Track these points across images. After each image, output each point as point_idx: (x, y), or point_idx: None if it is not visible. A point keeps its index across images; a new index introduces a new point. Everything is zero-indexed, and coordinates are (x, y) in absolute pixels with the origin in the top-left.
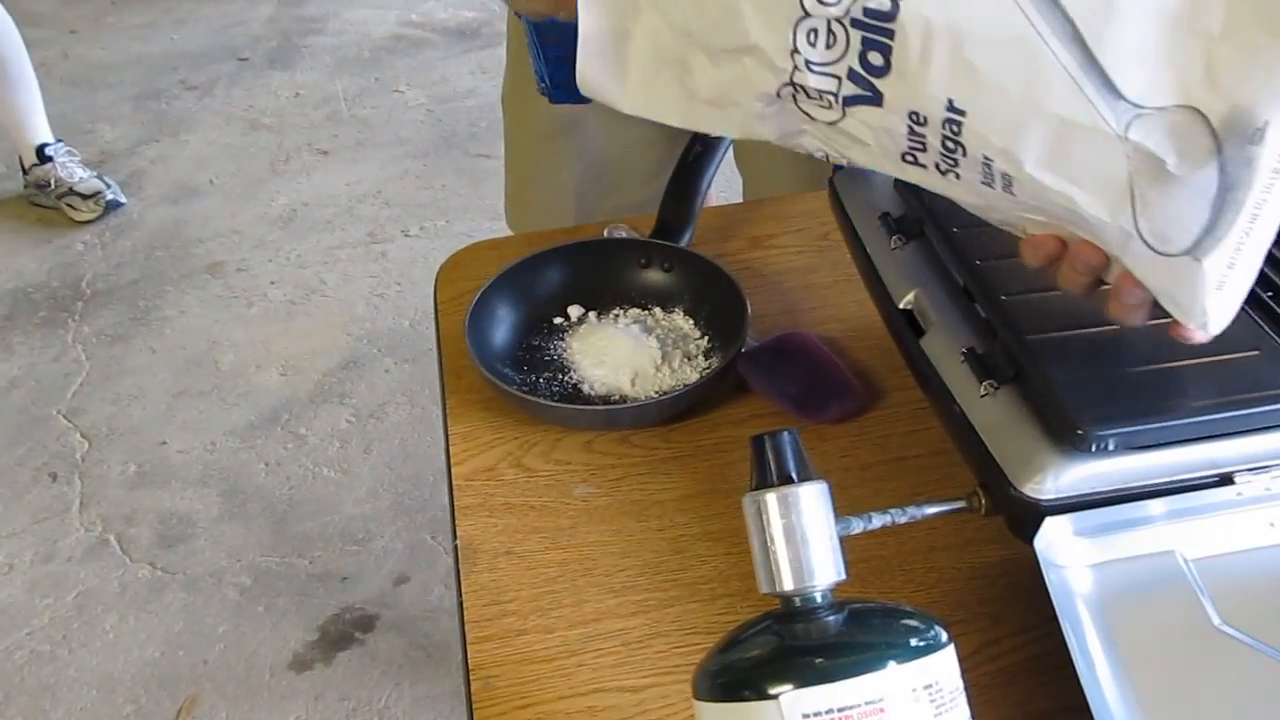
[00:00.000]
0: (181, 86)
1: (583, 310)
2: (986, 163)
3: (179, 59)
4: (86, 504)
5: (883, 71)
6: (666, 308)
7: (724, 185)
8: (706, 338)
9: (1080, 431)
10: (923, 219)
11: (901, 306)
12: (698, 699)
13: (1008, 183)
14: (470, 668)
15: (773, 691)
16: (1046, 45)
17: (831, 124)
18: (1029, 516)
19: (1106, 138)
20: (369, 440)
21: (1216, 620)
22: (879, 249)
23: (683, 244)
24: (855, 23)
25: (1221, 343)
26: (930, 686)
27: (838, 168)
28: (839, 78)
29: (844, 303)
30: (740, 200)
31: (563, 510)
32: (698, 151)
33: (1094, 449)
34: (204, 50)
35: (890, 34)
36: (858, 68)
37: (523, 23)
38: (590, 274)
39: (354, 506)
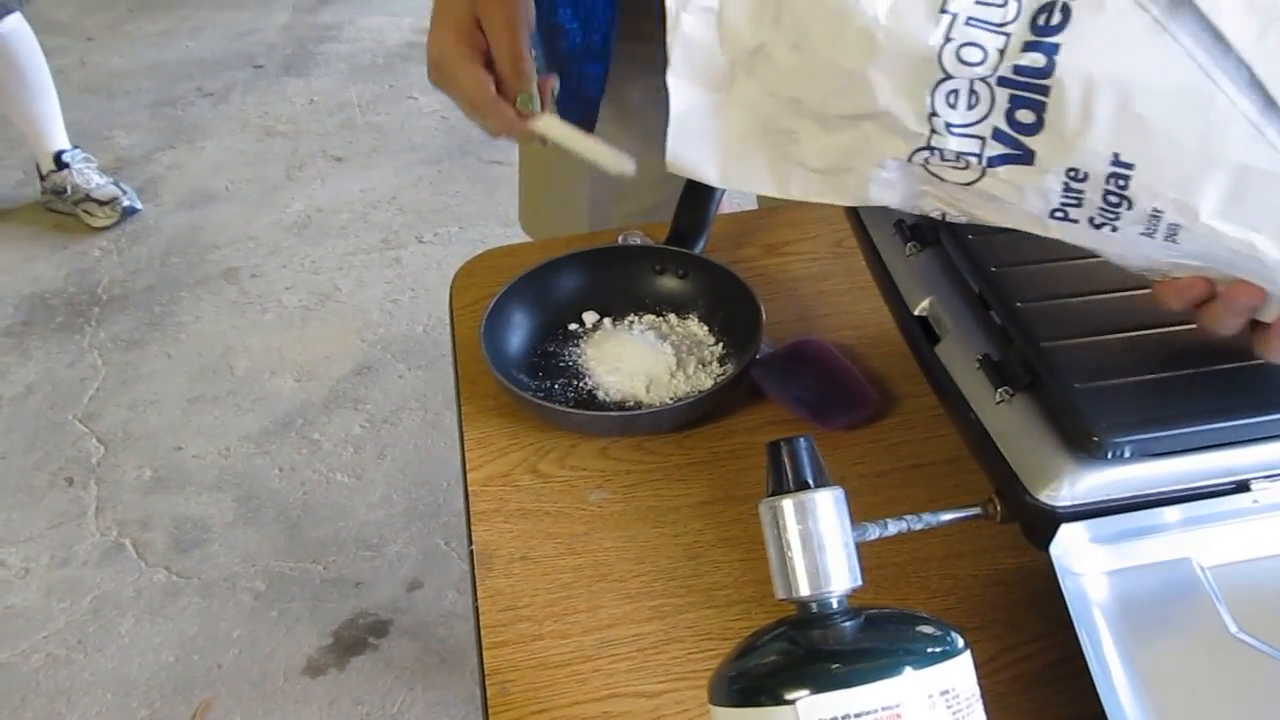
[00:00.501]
0: (197, 93)
1: (597, 317)
2: (1155, 215)
3: (195, 66)
4: (102, 509)
5: (1034, 129)
6: (681, 314)
7: (738, 193)
8: (721, 344)
9: (1096, 438)
10: (937, 226)
11: (916, 313)
12: (714, 704)
13: (1173, 233)
14: (486, 673)
15: (789, 697)
16: (1222, 92)
17: (967, 184)
18: (1045, 523)
19: None
20: (383, 446)
21: (1233, 627)
22: (894, 256)
23: (697, 251)
24: (1003, 81)
25: (1236, 350)
26: (947, 693)
27: None
28: (983, 138)
29: (859, 310)
30: (753, 206)
31: (578, 516)
32: None
33: (1109, 456)
34: (220, 57)
35: (1045, 90)
36: (1005, 127)
37: (536, 46)
38: (605, 280)
39: (367, 512)
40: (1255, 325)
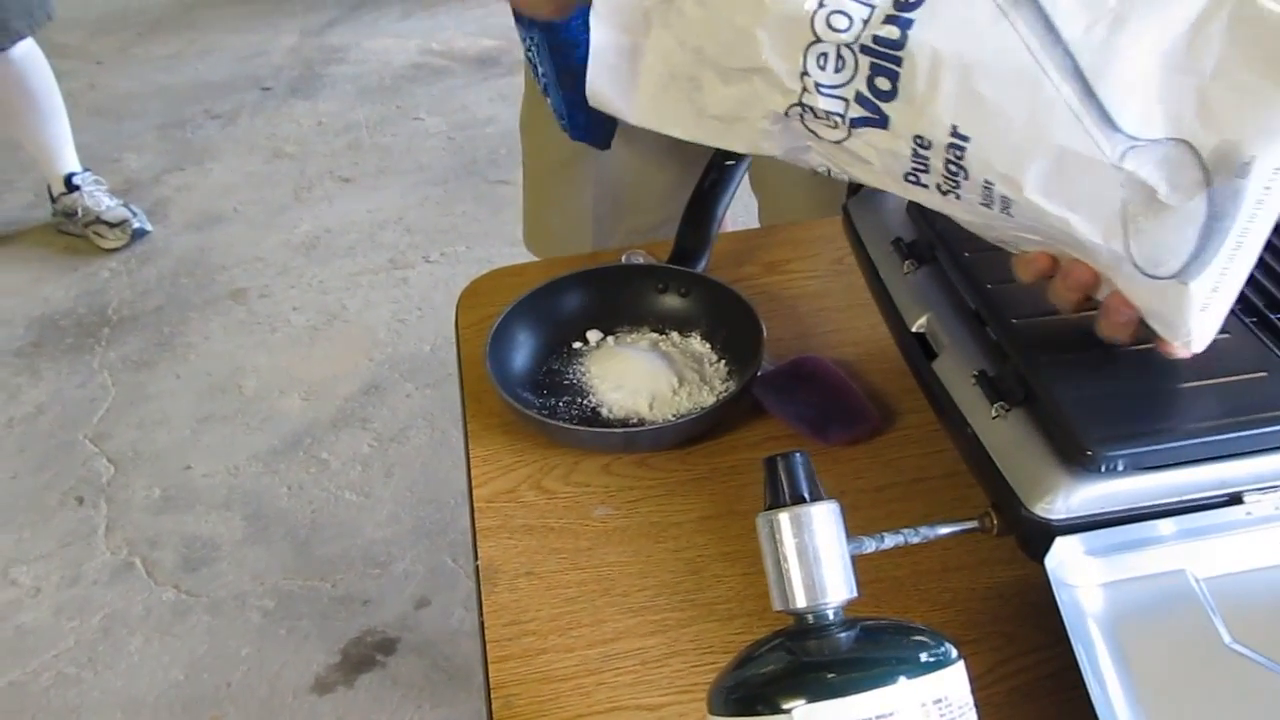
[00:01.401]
0: (205, 116)
1: (601, 335)
2: (987, 186)
3: (203, 89)
4: (112, 528)
5: (890, 96)
6: (683, 332)
7: (740, 210)
8: (723, 361)
9: (1089, 452)
10: (934, 244)
11: (914, 330)
12: (712, 714)
13: (1006, 205)
14: (491, 686)
15: (786, 706)
16: (1049, 79)
17: (837, 143)
18: (1040, 536)
19: (1103, 167)
20: (390, 464)
21: (1227, 639)
22: (892, 273)
23: (699, 269)
24: (864, 49)
25: (1229, 364)
26: (940, 701)
27: (852, 193)
28: (847, 100)
29: (858, 326)
30: (755, 223)
31: (582, 531)
32: (713, 179)
33: (1103, 469)
34: (228, 80)
35: (898, 61)
36: (865, 92)
37: (537, 68)
38: (608, 299)
39: (375, 530)
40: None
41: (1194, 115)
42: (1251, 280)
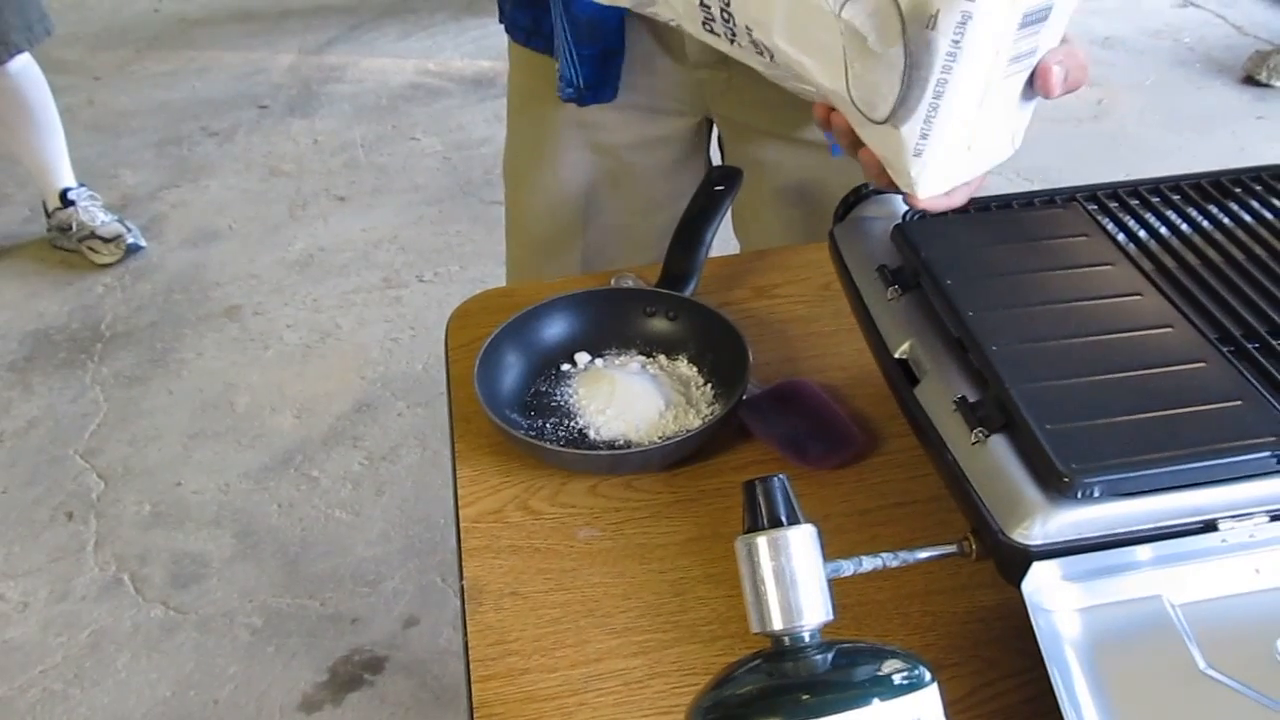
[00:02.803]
0: (203, 133)
1: (589, 357)
2: (749, 32)
3: (201, 106)
4: (101, 543)
5: None
6: (671, 355)
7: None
8: (710, 385)
9: (1066, 479)
10: (918, 271)
11: (897, 356)
12: None
13: (770, 53)
14: (475, 705)
15: None
16: None
17: None
18: (1018, 561)
19: (826, 15)
20: (381, 483)
21: (1202, 664)
22: (876, 299)
23: (687, 293)
24: None
25: (1205, 393)
26: None
27: (838, 220)
28: None
29: (845, 351)
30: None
31: (567, 552)
32: (702, 204)
33: (1080, 496)
34: (225, 98)
35: None
36: None
37: (557, 23)
38: (597, 322)
39: (365, 549)
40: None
41: None
42: (1228, 309)
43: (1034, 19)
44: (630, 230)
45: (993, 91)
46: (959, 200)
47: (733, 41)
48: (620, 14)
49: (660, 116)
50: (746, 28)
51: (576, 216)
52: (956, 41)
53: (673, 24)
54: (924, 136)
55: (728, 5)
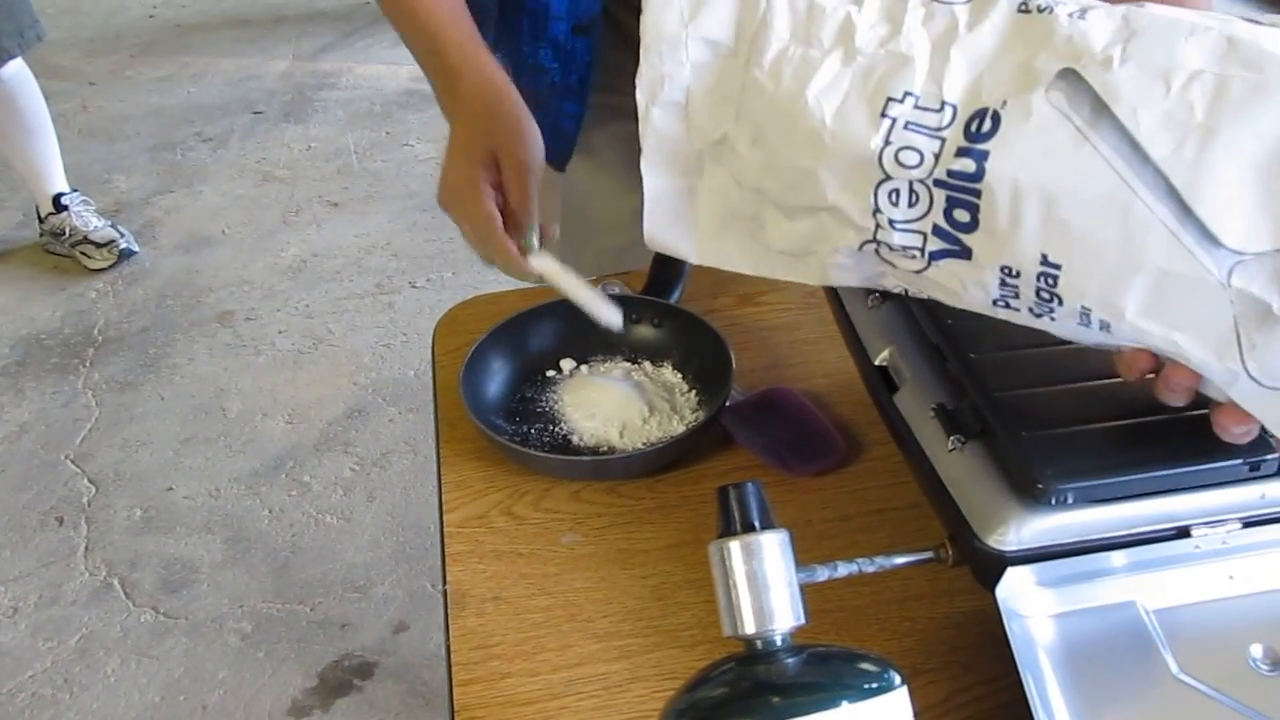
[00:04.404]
0: (197, 138)
1: (574, 364)
2: (1084, 311)
3: (195, 112)
4: (92, 548)
5: (970, 228)
6: (656, 362)
7: None
8: (694, 391)
9: (1040, 485)
10: None
11: (877, 363)
12: None
13: (1106, 326)
14: (456, 709)
15: None
16: (1141, 200)
17: (917, 272)
18: (993, 567)
19: (1209, 285)
20: (372, 488)
21: (1175, 669)
22: (857, 307)
23: (672, 300)
24: (939, 183)
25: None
26: None
27: None
28: (924, 234)
29: (828, 359)
30: None
31: (550, 558)
32: None
33: (1054, 502)
34: (219, 103)
35: (977, 193)
36: (944, 224)
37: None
38: (582, 328)
39: (355, 554)
40: (1212, 403)
41: None
42: None
43: None
44: (608, 207)
45: None
46: None
47: (1040, 317)
48: (576, 106)
49: (631, 118)
50: (1082, 309)
51: (552, 194)
52: None
53: (906, 292)
54: None
55: (1053, 286)
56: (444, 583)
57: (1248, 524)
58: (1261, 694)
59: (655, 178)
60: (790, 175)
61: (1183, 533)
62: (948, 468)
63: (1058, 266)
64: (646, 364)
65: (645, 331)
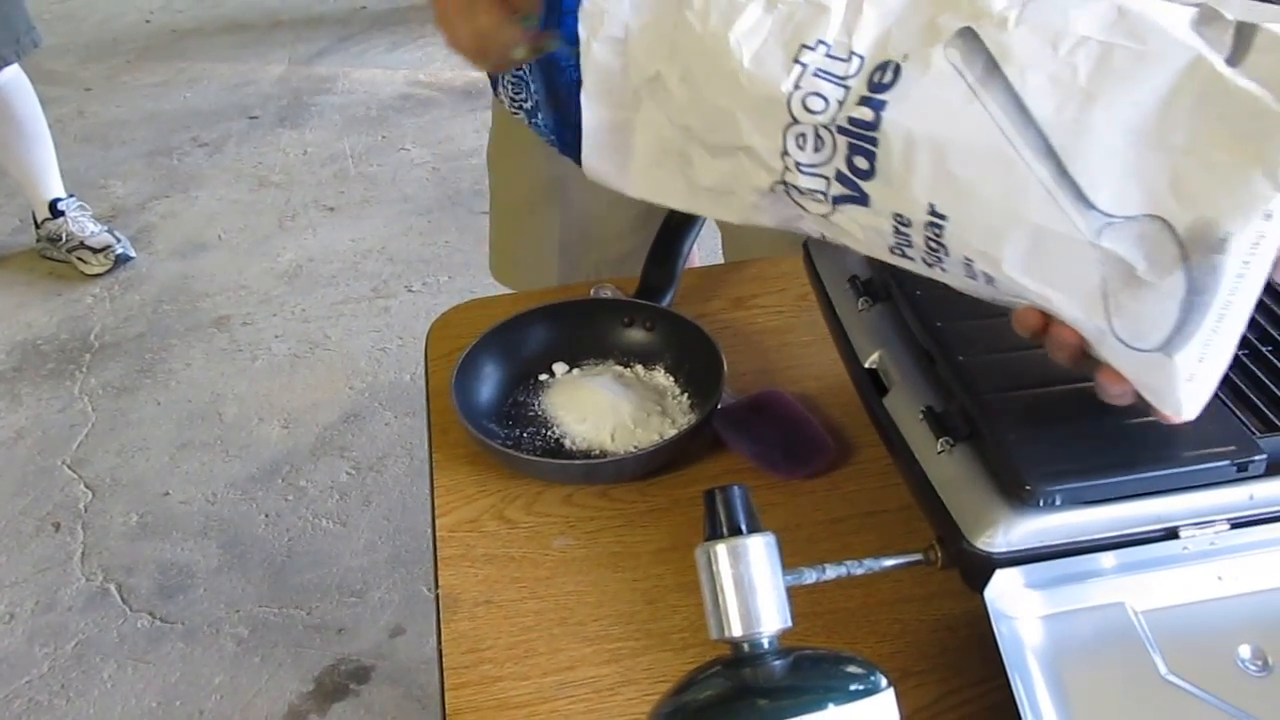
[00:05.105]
0: (193, 144)
1: (567, 367)
2: (968, 262)
3: (191, 117)
4: (88, 554)
5: (868, 175)
6: (648, 365)
7: (704, 249)
8: (686, 395)
9: (1028, 487)
10: (889, 282)
11: (867, 366)
12: None
13: (989, 279)
14: (447, 713)
15: None
16: (1022, 159)
17: (823, 216)
18: (981, 569)
19: (1080, 245)
20: (368, 493)
21: (1164, 670)
22: (848, 310)
23: (665, 304)
24: (841, 130)
25: None
26: None
27: None
28: (828, 179)
29: (820, 362)
30: (719, 257)
31: (541, 561)
32: (680, 216)
33: (1042, 504)
34: (216, 108)
35: (874, 141)
36: (845, 171)
37: (529, 85)
38: (575, 332)
39: (352, 558)
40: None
41: (1168, 192)
42: None
43: None
44: (608, 217)
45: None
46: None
47: (932, 266)
48: None
49: None
50: (965, 259)
51: (551, 202)
52: (1247, 263)
53: (825, 237)
54: (1201, 360)
55: (939, 236)
56: (435, 586)
57: (1236, 525)
58: (1250, 694)
59: (594, 111)
60: (713, 114)
61: (1171, 534)
62: (936, 470)
63: (944, 217)
64: (638, 367)
65: (637, 335)
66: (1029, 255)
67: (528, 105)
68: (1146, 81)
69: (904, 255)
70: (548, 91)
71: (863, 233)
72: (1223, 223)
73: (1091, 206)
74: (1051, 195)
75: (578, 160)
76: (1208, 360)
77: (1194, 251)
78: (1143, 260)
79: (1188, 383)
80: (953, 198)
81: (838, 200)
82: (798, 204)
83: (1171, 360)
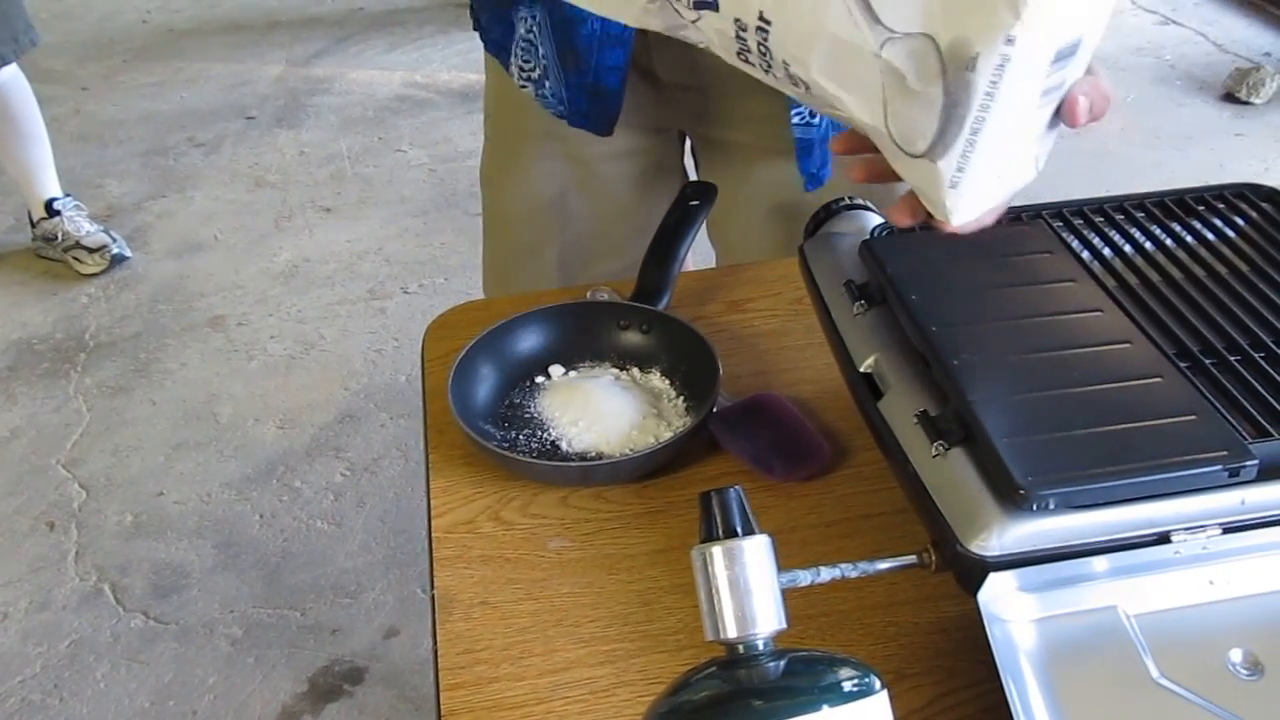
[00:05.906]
0: (189, 144)
1: (563, 370)
2: (786, 66)
3: (188, 117)
4: (82, 553)
5: None
6: (644, 368)
7: (703, 252)
8: (682, 397)
9: (1022, 491)
10: (884, 287)
11: (862, 369)
12: None
13: (806, 86)
14: (442, 713)
15: None
16: None
17: (694, 23)
18: (975, 572)
19: (866, 54)
20: (363, 494)
21: (1156, 674)
22: (842, 314)
23: (661, 307)
24: None
25: (1161, 407)
26: None
27: (809, 234)
28: None
29: (816, 365)
30: (713, 262)
31: (537, 563)
32: (677, 218)
33: (1035, 508)
34: (212, 108)
35: None
36: None
37: (537, 50)
38: (571, 335)
39: (346, 559)
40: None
41: (939, 12)
42: (1186, 325)
43: (1064, 55)
44: (604, 236)
45: (1023, 123)
46: (987, 222)
47: (767, 72)
48: (621, 54)
49: (631, 130)
50: (784, 62)
51: (550, 221)
52: (994, 83)
53: (702, 46)
54: (960, 170)
55: (765, 40)
56: (431, 587)
57: (1228, 529)
58: (1241, 698)
59: None
60: None
61: (1163, 538)
62: (931, 474)
63: (769, 23)
64: (634, 370)
65: (633, 338)
66: (830, 61)
67: (535, 74)
68: None
69: (747, 61)
70: (559, 52)
71: (718, 37)
72: (973, 44)
73: (878, 22)
74: (849, 9)
75: (588, 127)
76: (968, 172)
77: (951, 68)
78: (912, 72)
79: (952, 190)
80: (777, 5)
81: (696, 4)
82: (677, 11)
83: (935, 166)
